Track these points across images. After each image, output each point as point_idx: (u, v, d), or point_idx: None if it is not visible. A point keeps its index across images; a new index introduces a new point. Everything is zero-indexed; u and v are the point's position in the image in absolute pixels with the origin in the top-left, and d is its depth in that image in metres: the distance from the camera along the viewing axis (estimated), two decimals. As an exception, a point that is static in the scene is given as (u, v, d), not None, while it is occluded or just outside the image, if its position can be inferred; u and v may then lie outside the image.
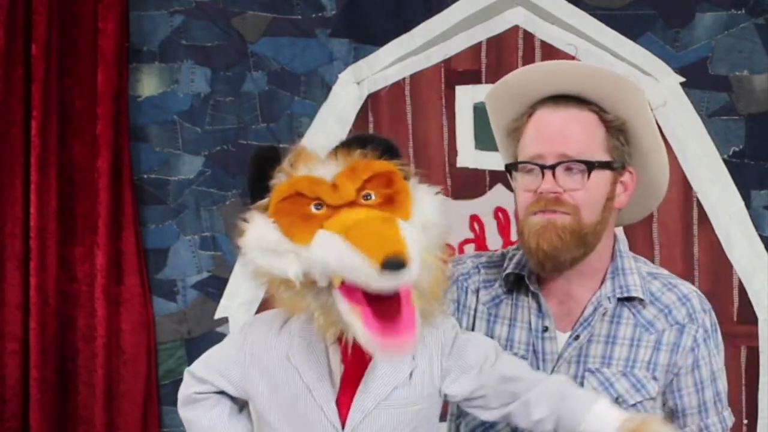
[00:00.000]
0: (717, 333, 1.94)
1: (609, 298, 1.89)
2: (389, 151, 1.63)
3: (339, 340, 1.60)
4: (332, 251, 1.51)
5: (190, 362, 3.19)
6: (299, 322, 1.68)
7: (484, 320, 1.96)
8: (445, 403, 1.82)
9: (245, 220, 1.60)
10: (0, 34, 3.08)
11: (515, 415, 1.69)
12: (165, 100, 3.24)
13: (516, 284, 1.95)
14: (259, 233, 1.58)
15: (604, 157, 1.85)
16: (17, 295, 3.12)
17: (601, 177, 1.84)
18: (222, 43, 3.23)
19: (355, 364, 1.65)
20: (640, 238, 3.09)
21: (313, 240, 1.54)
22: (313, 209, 1.56)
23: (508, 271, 1.95)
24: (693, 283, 2.97)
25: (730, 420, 1.95)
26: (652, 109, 1.94)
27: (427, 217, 1.59)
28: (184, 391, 1.77)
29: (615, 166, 1.86)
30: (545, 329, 1.90)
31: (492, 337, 1.92)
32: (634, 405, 1.87)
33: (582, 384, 1.86)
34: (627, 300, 1.90)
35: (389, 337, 1.51)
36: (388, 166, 1.60)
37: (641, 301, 1.90)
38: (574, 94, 1.86)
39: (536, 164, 1.82)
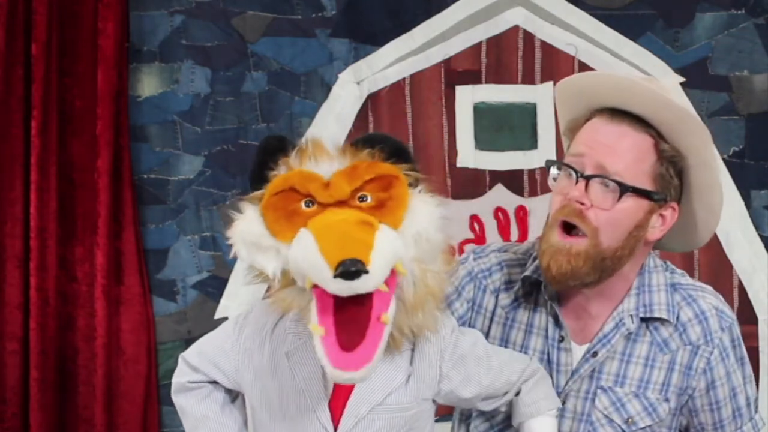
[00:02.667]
0: (739, 347, 1.89)
1: (632, 316, 1.84)
2: (399, 153, 1.56)
3: None
4: (303, 252, 1.47)
5: (190, 362, 3.19)
6: (295, 320, 1.64)
7: (501, 324, 1.91)
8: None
9: (238, 211, 1.56)
10: (0, 34, 3.08)
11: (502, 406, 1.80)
12: (165, 100, 3.24)
13: (536, 288, 1.90)
14: (246, 225, 1.54)
15: (647, 184, 1.77)
16: (17, 295, 3.12)
17: (634, 204, 1.77)
18: (222, 43, 3.22)
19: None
20: (640, 238, 3.09)
21: (294, 238, 1.49)
22: (303, 206, 1.52)
23: (527, 273, 1.89)
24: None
25: (754, 430, 1.92)
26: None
27: (420, 229, 1.53)
28: (177, 379, 1.77)
29: (656, 197, 1.78)
30: (561, 339, 1.86)
31: (507, 342, 1.89)
32: (643, 428, 1.84)
33: (593, 401, 1.84)
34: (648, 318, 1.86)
35: (342, 367, 1.45)
36: (391, 169, 1.54)
37: (664, 320, 1.85)
38: (637, 113, 1.79)
39: (574, 169, 1.76)
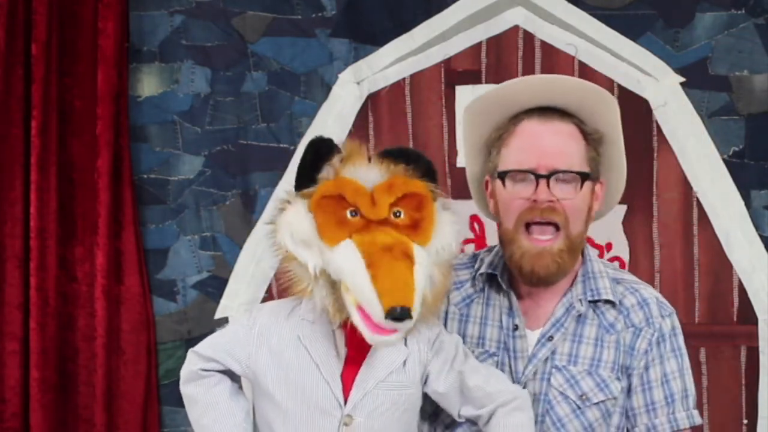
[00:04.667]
0: (676, 337, 1.98)
1: (581, 300, 1.96)
2: (429, 173, 1.82)
3: (344, 324, 1.79)
4: (351, 269, 1.71)
5: (190, 362, 3.19)
6: (306, 309, 1.84)
7: (456, 320, 2.02)
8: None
9: (288, 201, 1.78)
10: (0, 34, 3.08)
11: (470, 417, 1.90)
12: (165, 100, 3.24)
13: (488, 283, 2.02)
14: (297, 220, 1.76)
15: (585, 168, 1.93)
16: (17, 295, 3.12)
17: (586, 188, 1.92)
18: (222, 43, 3.22)
19: (358, 348, 1.81)
20: (640, 238, 3.09)
21: (339, 245, 1.73)
22: (348, 215, 1.75)
23: (481, 270, 2.02)
24: (693, 283, 2.98)
25: (685, 422, 1.96)
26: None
27: (443, 243, 1.79)
28: (188, 368, 1.88)
29: (592, 177, 1.94)
30: (515, 328, 1.97)
31: (464, 335, 2.00)
32: (597, 404, 1.94)
33: (548, 381, 1.94)
34: (595, 301, 1.98)
35: (379, 332, 1.72)
36: (422, 188, 1.78)
37: (610, 302, 1.97)
38: (558, 106, 1.93)
39: (534, 173, 1.89)
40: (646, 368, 1.95)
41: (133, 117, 3.21)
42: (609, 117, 1.95)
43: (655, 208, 3.07)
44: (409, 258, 1.72)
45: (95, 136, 3.14)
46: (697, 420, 1.98)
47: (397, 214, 1.76)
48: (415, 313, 1.70)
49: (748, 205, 3.10)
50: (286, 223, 1.78)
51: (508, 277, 2.00)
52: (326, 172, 1.78)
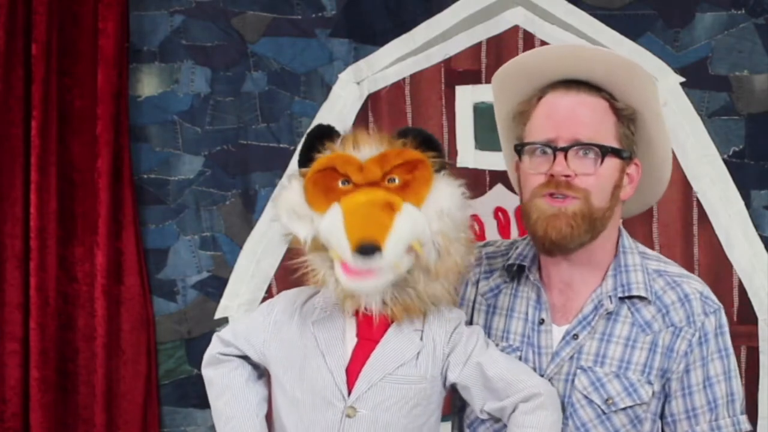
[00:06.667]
0: (722, 336, 1.87)
1: (610, 297, 1.85)
2: (427, 142, 1.77)
3: (356, 313, 1.78)
4: (330, 223, 1.71)
5: (190, 362, 3.22)
6: (322, 298, 1.84)
7: (482, 311, 1.95)
8: (447, 401, 1.89)
9: (288, 181, 1.80)
10: (0, 34, 3.08)
11: (493, 412, 1.82)
12: (165, 100, 3.24)
13: (518, 274, 1.93)
14: (289, 195, 1.78)
15: (615, 144, 1.82)
16: (17, 295, 3.11)
17: (612, 164, 1.82)
18: (222, 43, 3.22)
19: (368, 339, 1.79)
20: (640, 237, 3.05)
21: (327, 210, 1.72)
22: (339, 184, 1.74)
23: (510, 261, 1.94)
24: (693, 283, 2.91)
25: (729, 429, 1.87)
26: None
27: (443, 206, 1.74)
28: (209, 352, 1.92)
29: (624, 156, 1.84)
30: (541, 321, 1.88)
31: (490, 328, 1.92)
32: (624, 409, 1.83)
33: (573, 382, 1.84)
34: (627, 297, 1.87)
35: (355, 277, 1.71)
36: (417, 155, 1.75)
37: (643, 299, 1.86)
38: (586, 79, 1.83)
39: (549, 146, 1.81)
40: (687, 371, 1.83)
41: (133, 117, 3.21)
42: (641, 93, 1.84)
43: (655, 208, 3.06)
44: (389, 206, 1.69)
45: (95, 136, 3.14)
46: (745, 426, 1.87)
47: (391, 180, 1.74)
48: (388, 254, 1.66)
49: (748, 205, 3.10)
50: (282, 199, 1.80)
51: (539, 267, 1.90)
52: (325, 154, 1.77)
